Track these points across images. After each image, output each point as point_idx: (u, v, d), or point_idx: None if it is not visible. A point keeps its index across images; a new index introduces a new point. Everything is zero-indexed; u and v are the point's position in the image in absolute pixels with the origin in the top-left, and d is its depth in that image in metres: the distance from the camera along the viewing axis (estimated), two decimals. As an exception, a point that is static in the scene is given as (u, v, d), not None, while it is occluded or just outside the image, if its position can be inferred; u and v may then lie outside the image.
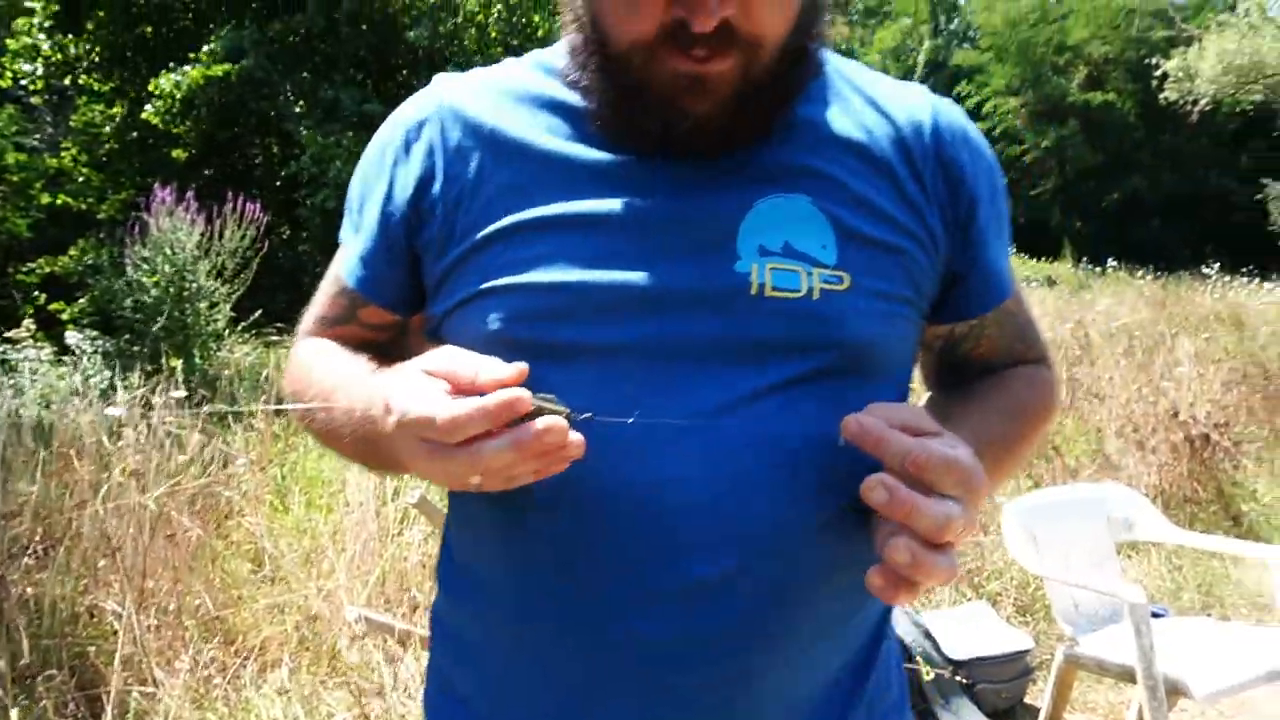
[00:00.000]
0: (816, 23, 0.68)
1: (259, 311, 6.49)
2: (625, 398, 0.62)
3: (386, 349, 0.78)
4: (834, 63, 0.76)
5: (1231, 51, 16.44)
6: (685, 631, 0.63)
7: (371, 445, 0.65)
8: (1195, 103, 17.24)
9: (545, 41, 10.73)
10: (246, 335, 6.58)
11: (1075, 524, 2.32)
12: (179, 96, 8.60)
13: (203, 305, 5.80)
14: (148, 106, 8.70)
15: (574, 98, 0.71)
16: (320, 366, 0.75)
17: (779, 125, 0.69)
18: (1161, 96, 18.21)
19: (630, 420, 0.59)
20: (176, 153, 10.02)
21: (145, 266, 5.60)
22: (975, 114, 25.28)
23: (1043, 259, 19.71)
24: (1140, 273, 15.37)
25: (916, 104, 0.74)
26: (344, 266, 0.78)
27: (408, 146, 0.74)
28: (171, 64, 8.91)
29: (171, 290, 5.64)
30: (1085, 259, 18.66)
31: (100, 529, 2.45)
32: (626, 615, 0.64)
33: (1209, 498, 3.85)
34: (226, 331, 6.18)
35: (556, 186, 0.68)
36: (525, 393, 0.55)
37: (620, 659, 0.65)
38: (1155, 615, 2.26)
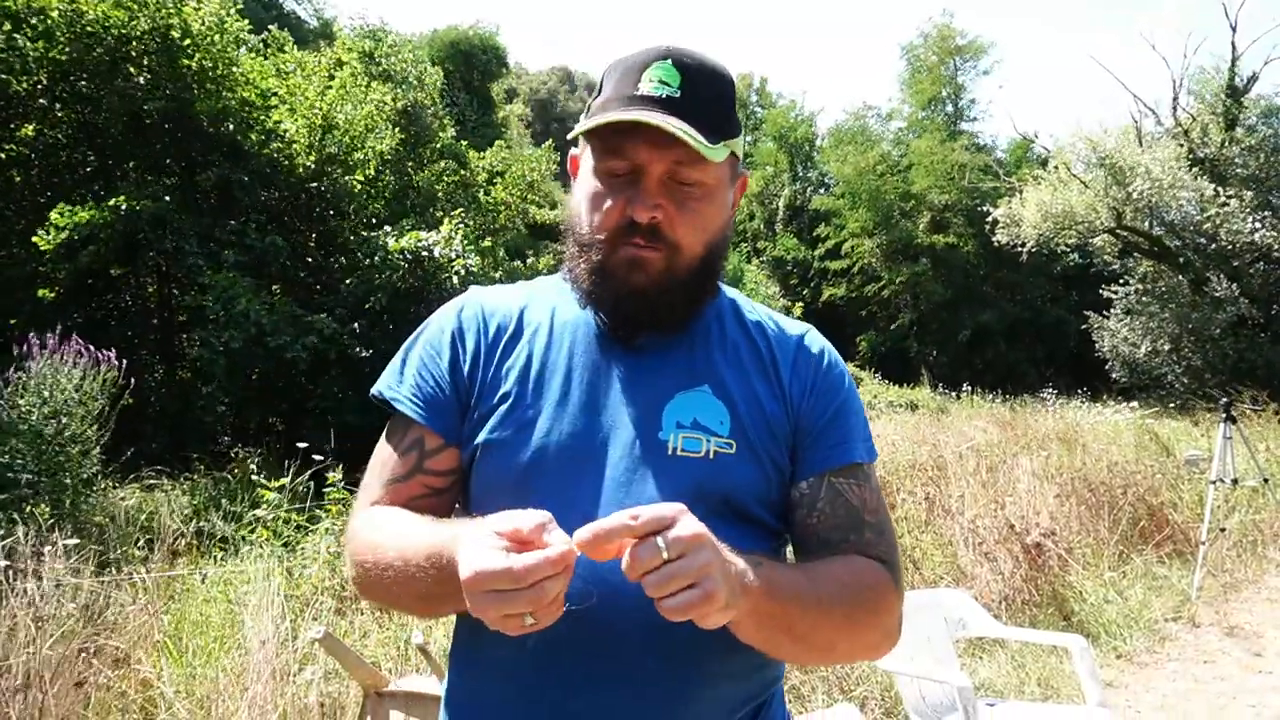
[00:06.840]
0: (720, 255, 1.06)
1: (130, 452, 6.34)
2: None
3: (441, 504, 1.03)
4: (739, 299, 1.14)
5: (1047, 202, 18.59)
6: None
7: (433, 587, 0.87)
8: (1023, 245, 19.29)
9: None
10: (121, 479, 6.38)
11: (917, 625, 2.64)
12: (77, 232, 8.47)
13: (74, 450, 5.64)
14: (40, 233, 8.47)
15: (569, 305, 1.07)
16: (388, 529, 0.96)
17: (697, 334, 1.06)
18: (995, 239, 20.26)
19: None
20: (42, 292, 9.73)
21: (18, 411, 5.44)
22: (835, 253, 27.43)
23: (904, 385, 21.15)
24: (991, 396, 16.77)
25: (791, 330, 1.12)
26: (415, 417, 1.03)
27: (461, 330, 1.06)
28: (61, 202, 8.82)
29: (46, 435, 5.48)
30: (942, 384, 20.16)
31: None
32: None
33: (1045, 600, 4.30)
34: (99, 476, 5.99)
35: (549, 372, 1.03)
36: (573, 544, 0.72)
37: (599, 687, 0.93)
38: (989, 705, 2.59)
